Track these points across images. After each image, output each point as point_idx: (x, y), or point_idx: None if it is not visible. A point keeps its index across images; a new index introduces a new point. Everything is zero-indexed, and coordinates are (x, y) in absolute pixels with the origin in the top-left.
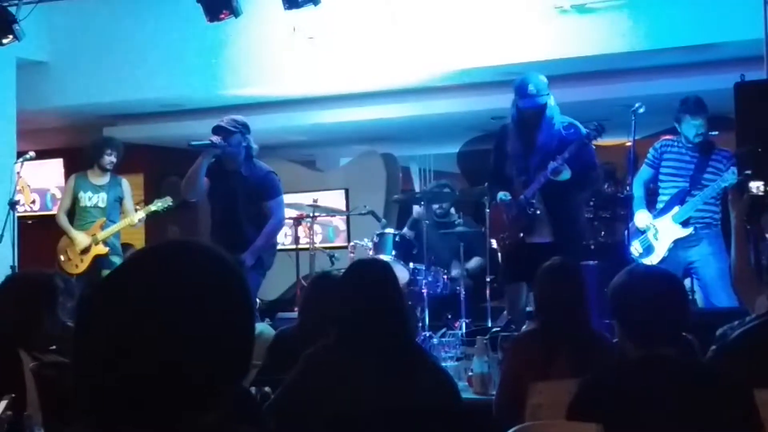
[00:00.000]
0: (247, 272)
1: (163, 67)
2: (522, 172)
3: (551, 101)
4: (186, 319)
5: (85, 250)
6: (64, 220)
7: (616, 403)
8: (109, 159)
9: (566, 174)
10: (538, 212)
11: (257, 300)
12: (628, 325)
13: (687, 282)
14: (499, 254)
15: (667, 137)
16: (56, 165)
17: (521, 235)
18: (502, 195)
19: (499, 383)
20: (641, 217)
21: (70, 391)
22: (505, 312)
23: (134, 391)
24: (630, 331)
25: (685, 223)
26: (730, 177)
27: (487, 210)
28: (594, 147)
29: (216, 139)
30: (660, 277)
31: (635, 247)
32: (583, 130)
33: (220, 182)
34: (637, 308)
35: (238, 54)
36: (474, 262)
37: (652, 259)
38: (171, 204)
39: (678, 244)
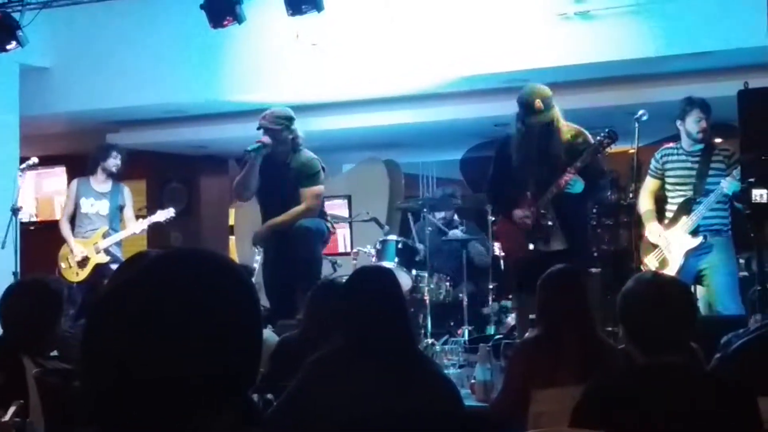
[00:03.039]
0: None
1: (166, 74)
2: (529, 184)
3: (556, 112)
4: (193, 328)
5: (85, 260)
6: (66, 228)
7: (620, 410)
8: (115, 162)
9: (579, 186)
10: (551, 224)
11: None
12: (634, 331)
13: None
14: (507, 265)
15: (667, 145)
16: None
17: (531, 246)
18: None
19: (501, 389)
20: (653, 231)
21: (73, 398)
22: (508, 319)
23: (140, 399)
24: (636, 337)
25: (694, 233)
26: (730, 185)
27: (491, 218)
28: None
29: (266, 140)
30: (668, 284)
31: (650, 262)
32: (592, 140)
33: (269, 176)
34: (644, 315)
35: (241, 60)
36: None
37: (669, 272)
38: (174, 215)
39: (690, 253)
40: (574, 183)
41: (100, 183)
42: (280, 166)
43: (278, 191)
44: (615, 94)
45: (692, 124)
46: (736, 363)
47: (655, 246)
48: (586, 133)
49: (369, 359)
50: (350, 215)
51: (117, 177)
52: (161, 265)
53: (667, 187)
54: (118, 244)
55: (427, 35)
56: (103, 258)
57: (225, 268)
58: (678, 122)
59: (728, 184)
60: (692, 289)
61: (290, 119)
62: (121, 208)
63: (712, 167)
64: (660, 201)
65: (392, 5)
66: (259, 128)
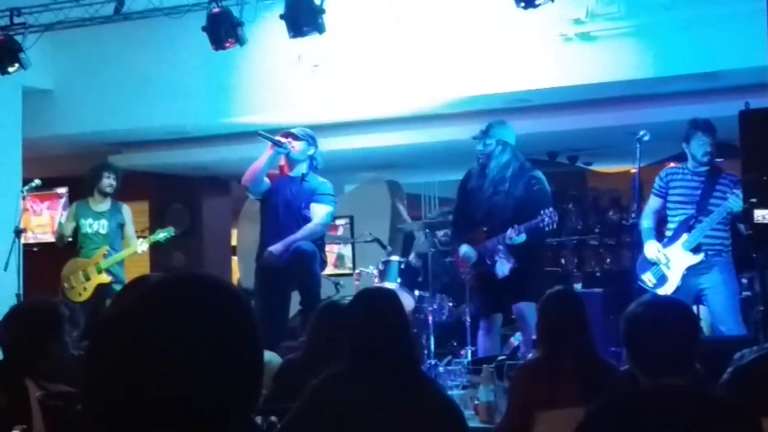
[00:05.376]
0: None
1: (169, 95)
2: (484, 218)
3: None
4: (195, 351)
5: (87, 277)
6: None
7: None
8: (108, 182)
9: (521, 238)
10: (495, 264)
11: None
12: (637, 353)
13: (694, 309)
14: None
15: (673, 165)
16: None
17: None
18: (466, 250)
19: (506, 412)
20: (651, 248)
21: (76, 421)
22: (511, 339)
23: (141, 423)
24: (639, 360)
25: (695, 250)
26: (735, 202)
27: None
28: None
29: (284, 139)
30: (671, 307)
31: (648, 279)
32: (544, 209)
33: (280, 186)
34: (647, 337)
35: (243, 82)
36: None
37: (667, 289)
38: (173, 233)
39: (690, 271)
40: (514, 238)
41: (98, 203)
42: (293, 180)
43: (289, 205)
44: (616, 114)
45: (697, 146)
46: (745, 378)
47: (653, 263)
48: (543, 181)
49: (372, 381)
50: (353, 236)
51: (115, 196)
52: (162, 291)
53: (670, 205)
54: (121, 264)
55: (428, 56)
56: (105, 278)
57: (225, 293)
58: (683, 144)
59: (734, 201)
60: (696, 309)
61: (314, 139)
62: (121, 227)
63: (718, 189)
64: (661, 221)
65: (393, 27)
66: (283, 133)
